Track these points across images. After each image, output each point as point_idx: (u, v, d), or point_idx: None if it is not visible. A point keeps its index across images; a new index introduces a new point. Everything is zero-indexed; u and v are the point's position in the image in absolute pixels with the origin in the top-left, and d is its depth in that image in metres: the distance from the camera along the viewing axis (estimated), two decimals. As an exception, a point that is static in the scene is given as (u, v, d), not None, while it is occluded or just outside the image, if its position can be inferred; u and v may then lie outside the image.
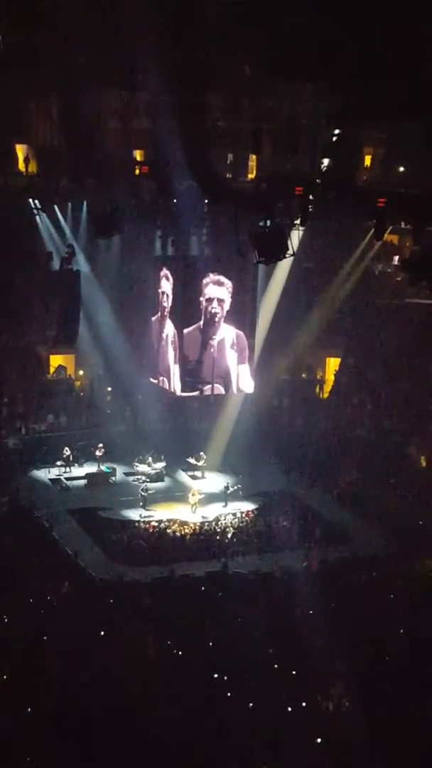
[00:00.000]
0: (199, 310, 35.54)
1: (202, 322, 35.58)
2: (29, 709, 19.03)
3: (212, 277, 35.20)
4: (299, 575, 30.04)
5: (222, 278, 35.36)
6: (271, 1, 23.64)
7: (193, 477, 40.82)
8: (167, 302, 36.31)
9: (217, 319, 35.73)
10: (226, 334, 36.01)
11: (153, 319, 37.75)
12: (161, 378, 37.45)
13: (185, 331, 35.40)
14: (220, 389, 36.87)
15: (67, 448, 40.45)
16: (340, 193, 30.96)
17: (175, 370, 35.97)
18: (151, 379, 38.85)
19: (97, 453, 40.66)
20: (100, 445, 40.86)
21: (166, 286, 36.29)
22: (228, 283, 35.48)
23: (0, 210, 36.72)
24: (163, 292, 36.51)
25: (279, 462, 41.04)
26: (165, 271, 36.28)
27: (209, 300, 35.42)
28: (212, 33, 26.17)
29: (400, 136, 37.61)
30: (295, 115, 33.59)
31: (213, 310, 35.57)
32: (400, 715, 19.91)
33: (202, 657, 22.45)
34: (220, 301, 35.61)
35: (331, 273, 44.16)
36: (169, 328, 36.27)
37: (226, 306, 35.74)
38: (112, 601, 26.40)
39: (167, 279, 36.21)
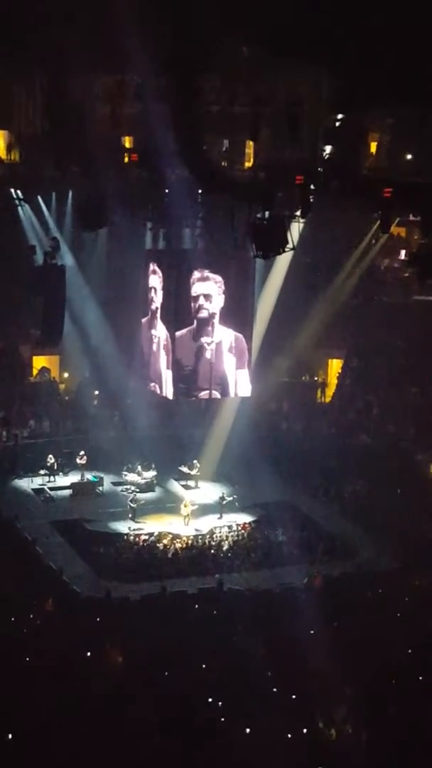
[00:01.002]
0: (191, 310, 35.31)
1: (195, 324, 35.39)
2: (10, 735, 18.95)
3: (196, 274, 34.99)
4: (300, 592, 30.05)
5: (207, 273, 35.06)
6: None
7: (186, 487, 40.75)
8: (156, 299, 36.09)
9: (208, 318, 35.42)
10: (224, 336, 35.76)
11: (143, 320, 37.53)
12: (152, 384, 37.33)
13: (178, 333, 35.16)
14: (216, 395, 36.81)
15: (51, 456, 40.38)
16: (343, 183, 30.94)
17: (167, 376, 35.78)
18: (143, 385, 38.76)
19: (79, 461, 40.52)
20: (82, 452, 40.73)
21: (155, 281, 36.04)
22: (216, 278, 35.12)
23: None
24: (152, 288, 36.27)
25: (278, 471, 40.88)
26: (153, 267, 36.08)
27: (195, 298, 35.17)
28: (207, 10, 26.19)
29: (407, 122, 37.63)
30: (296, 99, 33.58)
31: (202, 308, 35.28)
32: (407, 742, 19.86)
33: (195, 680, 22.39)
34: (207, 296, 35.26)
35: (334, 268, 44.08)
36: (161, 331, 36.00)
37: (217, 302, 35.38)
38: (99, 619, 26.32)
39: (155, 273, 36.00)
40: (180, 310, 35.31)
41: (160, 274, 35.74)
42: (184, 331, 35.31)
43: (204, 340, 35.47)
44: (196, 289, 35.16)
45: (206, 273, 35.09)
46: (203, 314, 35.32)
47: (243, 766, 18.79)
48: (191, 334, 35.38)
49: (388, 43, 23.88)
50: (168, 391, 36.12)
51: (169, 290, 35.49)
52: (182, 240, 36.48)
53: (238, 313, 35.97)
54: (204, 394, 36.59)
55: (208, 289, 35.23)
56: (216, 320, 35.52)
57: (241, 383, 36.58)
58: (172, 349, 35.24)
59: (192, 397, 36.77)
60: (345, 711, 21.07)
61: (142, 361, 38.16)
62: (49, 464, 40.25)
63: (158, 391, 37.00)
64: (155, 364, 36.71)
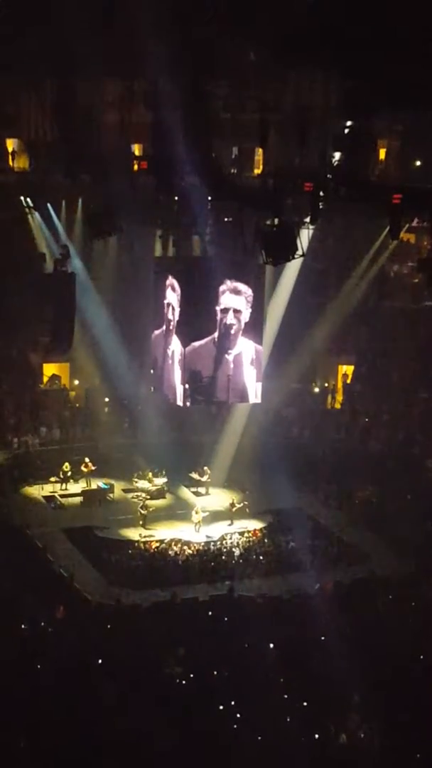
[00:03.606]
0: (209, 319, 34.83)
1: (216, 335, 34.89)
2: (22, 744, 18.95)
3: (229, 284, 34.45)
4: (311, 599, 29.93)
5: (240, 285, 34.46)
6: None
7: (197, 493, 40.72)
8: (173, 315, 35.70)
9: (233, 332, 34.92)
10: (245, 348, 35.43)
11: (156, 332, 37.19)
12: (167, 395, 37.10)
13: (196, 344, 34.65)
14: (233, 401, 36.78)
15: (67, 464, 40.29)
16: (352, 189, 30.85)
17: (181, 390, 35.42)
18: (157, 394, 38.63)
19: (84, 468, 40.39)
20: (87, 459, 40.68)
21: (172, 297, 35.46)
22: (247, 292, 34.60)
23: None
24: (168, 304, 35.74)
25: (289, 477, 40.70)
26: (171, 281, 35.50)
27: (225, 310, 34.62)
28: (216, 17, 26.22)
29: (416, 128, 37.63)
30: (304, 106, 33.62)
31: (229, 322, 34.73)
32: (420, 749, 19.80)
33: (206, 686, 22.37)
34: (237, 312, 34.72)
35: (344, 274, 44.06)
36: (176, 345, 35.58)
37: (245, 317, 34.86)
38: (109, 626, 26.29)
39: (173, 289, 35.46)
40: (194, 319, 34.89)
41: (179, 291, 35.13)
42: (204, 341, 34.77)
43: (227, 351, 35.09)
44: (226, 301, 34.58)
45: (238, 285, 34.63)
46: (229, 328, 34.87)
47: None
48: (212, 344, 34.91)
49: (397, 48, 23.86)
50: (183, 402, 35.90)
51: (187, 300, 35.16)
52: (191, 247, 36.40)
53: (255, 323, 35.69)
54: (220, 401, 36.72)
55: (240, 304, 34.69)
56: (240, 332, 35.27)
57: (259, 394, 36.49)
58: (188, 360, 34.86)
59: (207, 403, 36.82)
60: (357, 717, 21.04)
61: (156, 375, 37.90)
62: (66, 472, 40.16)
63: (173, 401, 36.78)
64: (169, 377, 36.30)
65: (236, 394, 36.07)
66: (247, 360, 35.45)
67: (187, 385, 35.05)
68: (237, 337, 35.07)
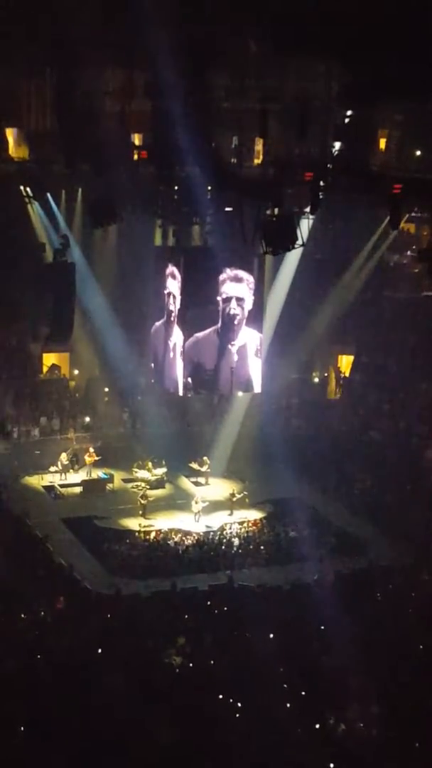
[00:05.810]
0: (211, 310, 34.64)
1: (219, 325, 34.87)
2: (21, 730, 18.99)
3: (229, 272, 34.21)
4: (311, 589, 29.98)
5: (240, 273, 34.17)
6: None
7: (196, 483, 40.76)
8: (174, 305, 35.55)
9: (237, 322, 34.66)
10: (249, 338, 35.27)
11: (157, 324, 37.04)
12: (168, 387, 36.98)
13: (198, 335, 34.56)
14: (237, 393, 36.81)
15: (64, 454, 40.35)
16: (352, 179, 30.89)
17: (183, 382, 35.31)
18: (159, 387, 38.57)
19: (87, 458, 40.46)
20: (91, 449, 40.70)
21: (173, 285, 35.27)
22: (248, 278, 34.35)
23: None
24: (169, 293, 35.57)
25: (288, 467, 40.79)
26: (171, 269, 35.36)
27: (227, 299, 34.47)
28: (217, 6, 26.17)
29: (417, 118, 37.54)
30: (305, 95, 33.56)
31: (232, 312, 34.53)
32: (419, 739, 19.84)
33: (205, 676, 22.39)
34: (240, 300, 34.45)
35: (344, 264, 44.03)
36: (177, 336, 35.37)
37: (248, 305, 34.63)
38: (109, 616, 26.33)
39: (173, 278, 35.34)
40: (195, 309, 34.69)
41: (179, 278, 34.86)
42: (207, 331, 34.46)
43: (230, 342, 34.91)
44: (227, 290, 34.27)
45: (239, 273, 34.38)
46: (232, 318, 34.58)
47: (254, 762, 18.79)
48: (216, 334, 34.80)
49: (398, 38, 23.84)
50: (184, 393, 35.80)
51: (189, 290, 34.95)
52: (191, 237, 36.31)
53: (258, 313, 35.47)
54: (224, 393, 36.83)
55: (241, 292, 34.30)
56: (244, 322, 35.08)
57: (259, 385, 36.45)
58: (190, 352, 34.67)
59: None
60: (356, 707, 21.08)
61: (156, 368, 37.77)
62: (65, 462, 40.24)
63: (174, 392, 36.65)
64: (171, 370, 36.12)
65: (240, 387, 36.02)
66: (252, 351, 35.29)
67: (189, 379, 34.96)
68: (240, 327, 34.92)
